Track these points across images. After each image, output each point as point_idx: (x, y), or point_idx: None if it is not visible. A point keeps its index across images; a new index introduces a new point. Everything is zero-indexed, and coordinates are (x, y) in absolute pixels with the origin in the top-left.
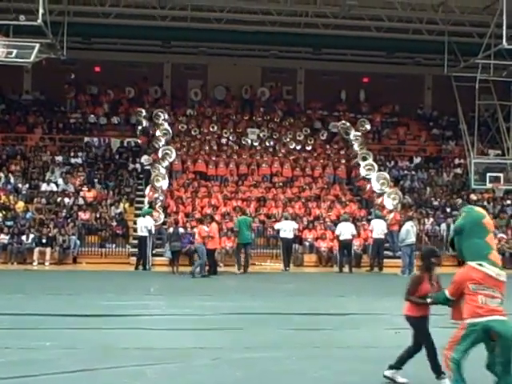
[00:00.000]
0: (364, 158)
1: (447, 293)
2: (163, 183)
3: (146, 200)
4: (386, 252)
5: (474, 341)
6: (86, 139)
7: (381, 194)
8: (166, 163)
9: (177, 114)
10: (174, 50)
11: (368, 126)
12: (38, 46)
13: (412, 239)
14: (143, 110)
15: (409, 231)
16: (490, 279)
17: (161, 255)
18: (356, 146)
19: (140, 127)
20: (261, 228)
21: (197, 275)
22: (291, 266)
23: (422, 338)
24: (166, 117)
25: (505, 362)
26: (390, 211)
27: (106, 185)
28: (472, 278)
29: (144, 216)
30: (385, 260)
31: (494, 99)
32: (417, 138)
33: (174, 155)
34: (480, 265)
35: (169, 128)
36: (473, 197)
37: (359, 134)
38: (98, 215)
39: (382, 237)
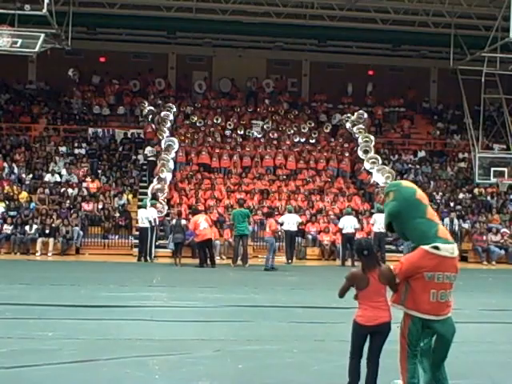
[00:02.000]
0: (365, 152)
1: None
2: (167, 175)
3: (149, 191)
4: (388, 246)
5: (419, 329)
6: (90, 130)
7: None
8: (171, 155)
9: (181, 105)
10: (179, 40)
11: (365, 115)
12: (43, 35)
13: None
14: (147, 102)
15: None
16: (446, 261)
17: (164, 247)
18: (360, 139)
19: (150, 117)
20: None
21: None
22: (294, 259)
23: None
24: (172, 108)
25: (439, 359)
26: None
27: (109, 176)
28: (426, 265)
29: (145, 207)
30: (387, 254)
31: (499, 93)
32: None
33: (176, 146)
34: (436, 248)
35: (173, 119)
36: (476, 191)
37: (363, 126)
38: (101, 206)
39: (383, 231)
